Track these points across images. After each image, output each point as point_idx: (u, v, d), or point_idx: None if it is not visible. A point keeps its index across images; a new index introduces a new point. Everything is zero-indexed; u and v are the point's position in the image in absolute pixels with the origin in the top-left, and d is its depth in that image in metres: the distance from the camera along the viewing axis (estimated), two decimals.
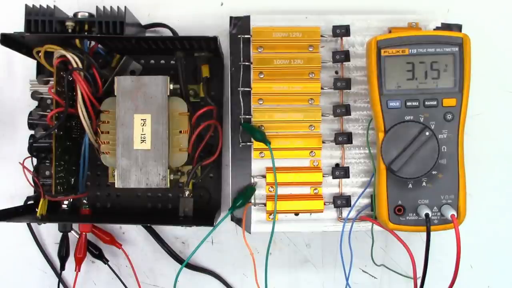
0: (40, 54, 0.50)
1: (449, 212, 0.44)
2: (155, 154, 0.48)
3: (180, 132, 0.49)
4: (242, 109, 0.51)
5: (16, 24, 0.49)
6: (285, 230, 0.52)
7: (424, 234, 0.43)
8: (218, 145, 0.53)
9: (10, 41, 0.49)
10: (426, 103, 0.46)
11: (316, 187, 0.52)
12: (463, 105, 0.46)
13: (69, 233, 0.55)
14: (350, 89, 0.51)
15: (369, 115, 0.52)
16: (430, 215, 0.44)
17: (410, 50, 0.46)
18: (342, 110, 0.51)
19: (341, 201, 0.51)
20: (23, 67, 0.57)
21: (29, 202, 0.54)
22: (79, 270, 0.55)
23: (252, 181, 0.51)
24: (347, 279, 0.51)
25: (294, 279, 0.58)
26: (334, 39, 0.52)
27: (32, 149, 0.53)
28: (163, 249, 0.57)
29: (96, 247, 0.56)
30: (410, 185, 0.46)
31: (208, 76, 0.53)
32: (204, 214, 0.53)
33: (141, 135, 0.48)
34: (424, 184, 0.46)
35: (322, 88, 0.51)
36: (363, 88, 0.52)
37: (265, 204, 0.51)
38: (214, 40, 0.48)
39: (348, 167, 0.51)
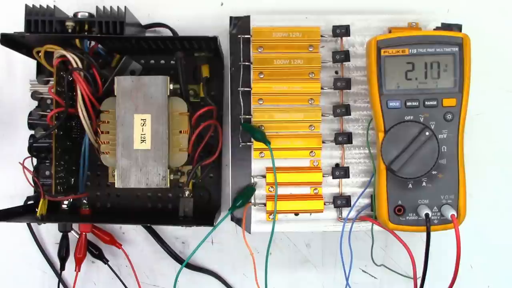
0: (40, 54, 0.50)
1: (449, 212, 0.44)
2: (155, 154, 0.48)
3: (180, 132, 0.49)
4: (242, 109, 0.51)
5: (16, 24, 0.49)
6: (285, 230, 0.52)
7: (424, 234, 0.43)
8: (218, 145, 0.53)
9: (10, 41, 0.49)
10: (426, 103, 0.46)
11: (316, 187, 0.51)
12: (463, 105, 0.46)
13: (69, 233, 0.55)
14: (350, 89, 0.51)
15: (369, 115, 0.52)
16: (430, 215, 0.44)
17: (410, 50, 0.46)
18: (342, 110, 0.51)
19: (341, 201, 0.51)
20: (23, 67, 0.57)
21: (29, 202, 0.54)
22: (79, 270, 0.55)
23: (252, 181, 0.51)
24: (347, 279, 0.51)
25: (294, 279, 0.58)
26: (334, 39, 0.52)
27: (32, 149, 0.53)
28: (163, 249, 0.57)
29: (96, 247, 0.56)
30: (410, 185, 0.46)
31: (208, 76, 0.53)
32: (204, 214, 0.53)
33: (141, 135, 0.48)
34: (424, 184, 0.46)
35: (322, 88, 0.51)
36: (363, 88, 0.52)
37: (265, 204, 0.51)
38: (214, 40, 0.48)
39: (348, 167, 0.51)
